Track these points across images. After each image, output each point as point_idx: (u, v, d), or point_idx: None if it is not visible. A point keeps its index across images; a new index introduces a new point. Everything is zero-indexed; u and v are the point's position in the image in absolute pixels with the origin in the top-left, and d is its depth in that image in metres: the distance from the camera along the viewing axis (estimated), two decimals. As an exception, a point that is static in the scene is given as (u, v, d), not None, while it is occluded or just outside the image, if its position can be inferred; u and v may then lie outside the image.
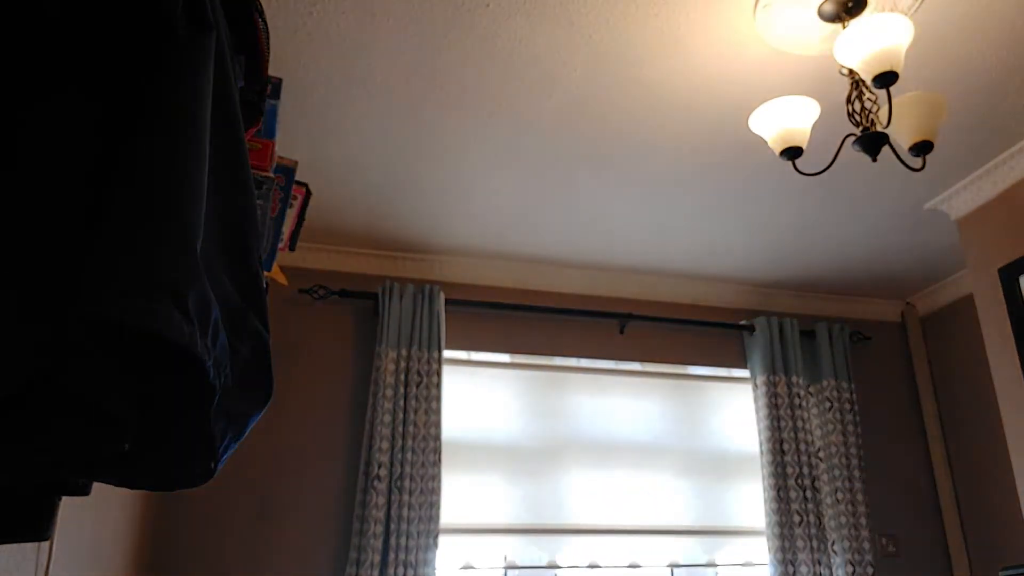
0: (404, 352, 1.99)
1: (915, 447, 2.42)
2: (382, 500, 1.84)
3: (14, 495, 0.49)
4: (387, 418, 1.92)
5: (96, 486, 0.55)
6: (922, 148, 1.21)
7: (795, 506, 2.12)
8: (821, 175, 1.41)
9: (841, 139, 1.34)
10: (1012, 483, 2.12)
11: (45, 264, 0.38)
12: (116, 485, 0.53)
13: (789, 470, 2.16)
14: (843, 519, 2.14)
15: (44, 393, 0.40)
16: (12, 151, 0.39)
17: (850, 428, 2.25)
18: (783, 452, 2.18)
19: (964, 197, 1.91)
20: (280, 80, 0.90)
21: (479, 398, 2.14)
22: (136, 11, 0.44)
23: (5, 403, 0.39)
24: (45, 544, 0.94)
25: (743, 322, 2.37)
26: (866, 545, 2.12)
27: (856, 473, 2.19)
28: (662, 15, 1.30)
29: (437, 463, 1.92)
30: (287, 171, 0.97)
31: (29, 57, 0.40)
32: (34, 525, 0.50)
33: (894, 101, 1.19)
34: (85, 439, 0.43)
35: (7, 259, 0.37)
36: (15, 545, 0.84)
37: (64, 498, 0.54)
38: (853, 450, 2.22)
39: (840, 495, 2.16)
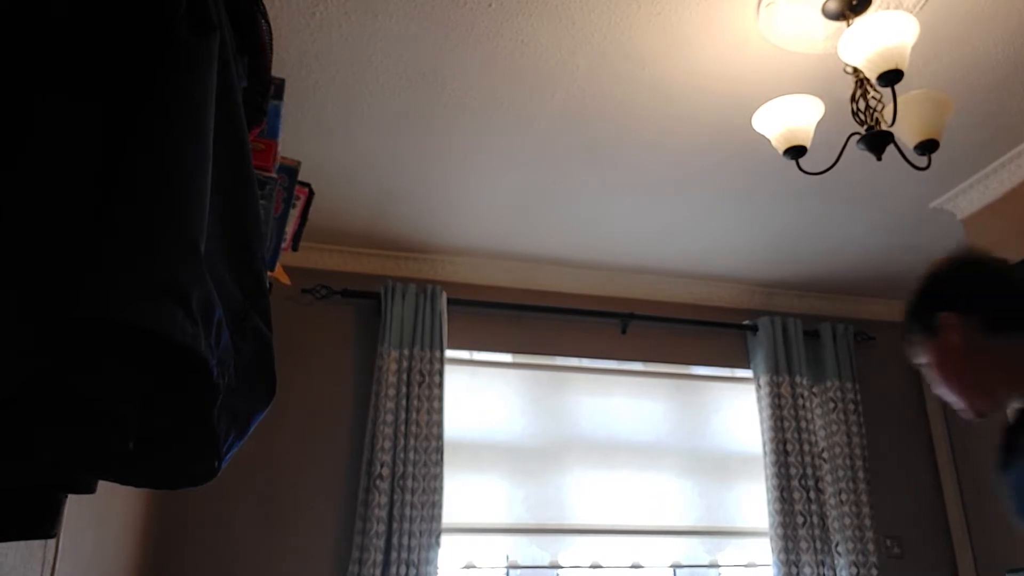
0: (406, 352, 2.00)
1: (920, 448, 2.40)
2: (384, 499, 1.84)
3: (20, 493, 0.49)
4: (389, 418, 1.93)
5: (102, 485, 0.55)
6: (927, 147, 1.21)
7: (799, 507, 2.11)
8: (825, 174, 1.40)
9: (845, 138, 1.33)
10: (1018, 484, 2.10)
11: (48, 265, 0.38)
12: (121, 483, 0.54)
13: (792, 471, 2.15)
14: (847, 520, 2.12)
15: (48, 393, 0.40)
16: (16, 152, 0.39)
17: (854, 429, 2.23)
18: (787, 453, 2.17)
19: (970, 196, 1.90)
20: (283, 80, 0.90)
21: (481, 398, 2.14)
22: (140, 12, 0.44)
23: (9, 403, 0.39)
24: (51, 542, 0.95)
25: (746, 322, 2.36)
26: (870, 547, 2.11)
27: (860, 474, 2.18)
28: (664, 14, 1.30)
29: (439, 463, 1.92)
30: (290, 171, 0.98)
31: (34, 57, 0.41)
32: (40, 523, 0.51)
33: (899, 99, 1.18)
34: (89, 438, 0.44)
35: (9, 259, 0.38)
36: (22, 543, 0.84)
37: (70, 496, 0.54)
38: (857, 451, 2.21)
39: (844, 496, 2.15)
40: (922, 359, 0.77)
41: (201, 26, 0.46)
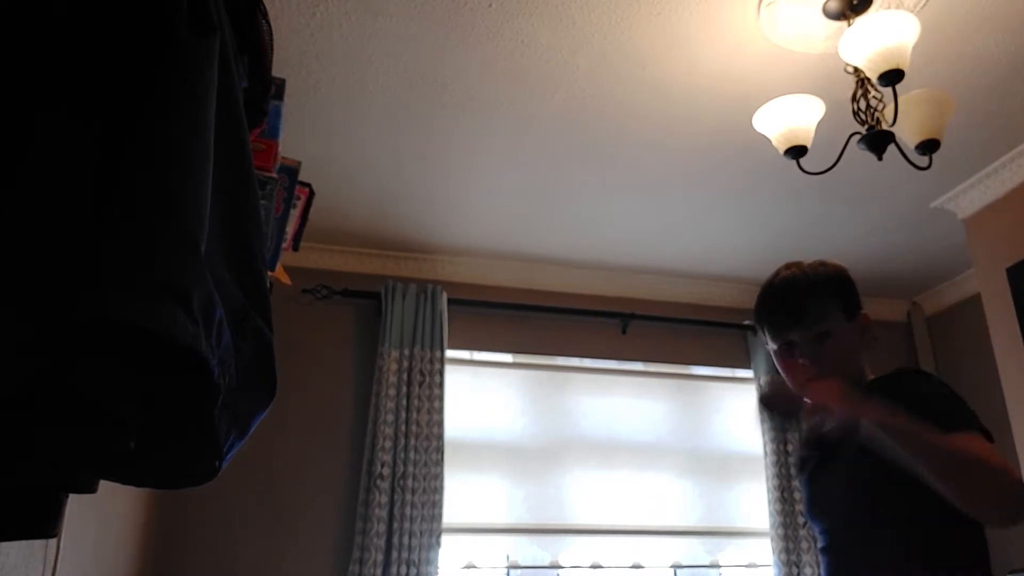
0: (407, 352, 2.00)
1: (921, 448, 2.40)
2: (385, 499, 1.84)
3: (21, 493, 0.49)
4: (390, 417, 1.93)
5: (103, 485, 0.56)
6: (928, 146, 1.21)
7: (799, 507, 2.11)
8: (826, 174, 1.40)
9: (846, 138, 1.33)
10: (1019, 484, 2.10)
11: (48, 264, 0.38)
12: (122, 483, 0.54)
13: (793, 471, 2.14)
14: (848, 520, 2.12)
15: (48, 393, 0.40)
16: (17, 152, 0.39)
17: (855, 429, 2.23)
18: (787, 453, 2.16)
19: (971, 196, 1.89)
20: (284, 81, 0.90)
21: (482, 398, 2.14)
22: (140, 12, 0.44)
23: (11, 403, 0.39)
24: (52, 541, 0.95)
25: (746, 322, 2.36)
26: (871, 546, 2.10)
27: (861, 474, 2.18)
28: (665, 14, 1.30)
29: (440, 462, 1.92)
30: (290, 171, 0.98)
31: (33, 57, 0.41)
32: (41, 522, 0.51)
33: (900, 99, 1.18)
34: (90, 438, 0.44)
35: (9, 259, 0.38)
36: (23, 542, 0.84)
37: (71, 496, 0.55)
38: (858, 451, 2.21)
39: (845, 496, 2.15)
40: (824, 330, 0.81)
41: (201, 26, 0.46)
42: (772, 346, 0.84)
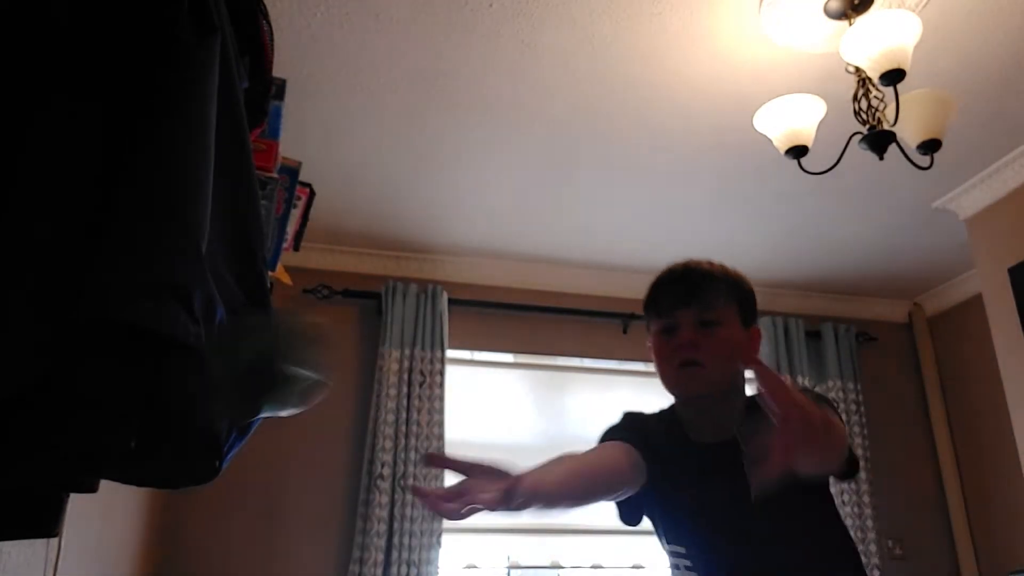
0: (407, 352, 2.00)
1: (922, 449, 2.40)
2: (385, 499, 1.84)
3: (22, 492, 0.49)
4: (390, 417, 1.93)
5: (104, 484, 0.56)
6: (930, 146, 1.20)
7: (800, 507, 2.10)
8: (827, 174, 1.39)
9: (847, 137, 1.33)
10: (1021, 485, 2.10)
11: (50, 266, 0.39)
12: (122, 483, 0.54)
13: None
14: (849, 521, 2.12)
15: (49, 393, 0.40)
16: (20, 155, 0.39)
17: (856, 430, 2.23)
18: (788, 453, 2.16)
19: (973, 196, 1.89)
20: (284, 81, 0.90)
21: (482, 398, 2.14)
22: (141, 12, 0.44)
23: (12, 403, 0.39)
24: (54, 541, 0.95)
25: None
26: (872, 548, 2.10)
27: (862, 475, 2.18)
28: (665, 14, 1.30)
29: (441, 462, 1.92)
30: (291, 172, 0.98)
31: (33, 57, 0.41)
32: (42, 522, 0.51)
33: (901, 99, 1.17)
34: (91, 438, 0.44)
35: (12, 261, 0.38)
36: (25, 541, 0.85)
37: (72, 495, 0.55)
38: (859, 452, 2.21)
39: (846, 497, 2.14)
40: (719, 324, 0.79)
41: (202, 26, 0.46)
42: (654, 327, 0.82)
